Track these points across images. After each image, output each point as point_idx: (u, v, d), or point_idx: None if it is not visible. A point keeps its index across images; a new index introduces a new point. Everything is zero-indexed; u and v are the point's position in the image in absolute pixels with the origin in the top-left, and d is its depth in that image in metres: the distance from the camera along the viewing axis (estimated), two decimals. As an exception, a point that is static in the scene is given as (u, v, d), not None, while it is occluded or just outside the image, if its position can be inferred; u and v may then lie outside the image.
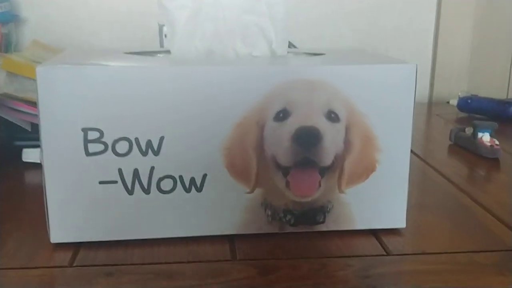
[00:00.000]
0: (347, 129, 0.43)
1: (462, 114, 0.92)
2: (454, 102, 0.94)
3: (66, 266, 0.40)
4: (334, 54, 0.51)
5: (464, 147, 0.71)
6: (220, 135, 0.42)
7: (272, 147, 0.42)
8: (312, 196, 0.44)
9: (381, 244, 0.44)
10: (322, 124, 0.42)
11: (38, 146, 0.63)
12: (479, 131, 0.68)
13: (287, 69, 0.42)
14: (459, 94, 0.94)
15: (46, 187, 0.41)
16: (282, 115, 0.42)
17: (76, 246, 0.43)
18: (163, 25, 0.88)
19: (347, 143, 0.43)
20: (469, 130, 0.71)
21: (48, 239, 0.43)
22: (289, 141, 0.42)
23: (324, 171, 0.43)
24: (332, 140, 0.43)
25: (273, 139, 0.42)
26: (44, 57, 0.72)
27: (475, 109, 0.89)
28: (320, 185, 0.43)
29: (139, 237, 0.43)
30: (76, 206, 0.42)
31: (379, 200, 0.45)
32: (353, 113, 0.43)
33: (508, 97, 1.06)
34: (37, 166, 0.63)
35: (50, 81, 0.40)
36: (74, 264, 0.41)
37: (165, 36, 0.77)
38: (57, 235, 0.42)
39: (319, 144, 0.42)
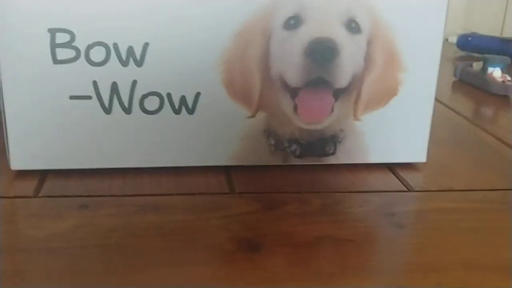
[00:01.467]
0: (369, 43, 0.36)
1: (461, 53, 0.87)
2: (453, 39, 0.88)
3: (30, 197, 0.33)
4: None
5: (471, 83, 0.65)
6: (217, 46, 0.34)
7: (279, 62, 0.35)
8: (322, 122, 0.37)
9: (399, 179, 0.39)
10: (340, 36, 0.35)
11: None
12: (490, 66, 0.62)
13: (301, -35, 0.34)
14: (458, 31, 0.88)
15: (5, 103, 0.34)
16: (294, 23, 0.35)
17: (42, 174, 0.36)
18: None
19: (367, 60, 0.36)
20: (477, 65, 0.65)
21: (8, 165, 0.36)
22: (300, 56, 0.35)
23: (338, 93, 0.37)
24: (350, 56, 0.36)
25: (281, 53, 0.35)
26: None
27: (476, 47, 0.83)
28: (332, 110, 0.37)
29: (117, 165, 0.36)
30: (41, 127, 0.34)
31: (398, 130, 0.39)
32: (377, 23, 0.36)
33: (503, 36, 1.00)
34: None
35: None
36: (40, 195, 0.34)
37: None
38: (18, 161, 0.35)
39: (335, 60, 0.35)
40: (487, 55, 0.64)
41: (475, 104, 0.60)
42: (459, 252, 0.30)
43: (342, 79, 0.36)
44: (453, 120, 0.54)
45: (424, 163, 0.41)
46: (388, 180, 0.38)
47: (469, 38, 0.84)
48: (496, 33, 0.99)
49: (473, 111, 0.57)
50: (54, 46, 0.33)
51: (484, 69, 0.63)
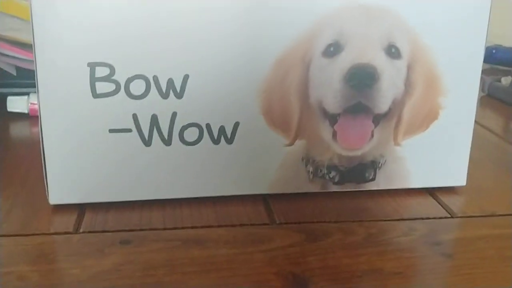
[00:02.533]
0: (409, 67, 0.36)
1: (485, 66, 0.86)
2: (476, 52, 0.87)
3: (70, 233, 0.33)
4: None
5: (500, 99, 0.64)
6: (256, 75, 0.34)
7: (319, 89, 0.35)
8: (362, 148, 0.37)
9: (441, 204, 0.38)
10: (381, 61, 0.35)
11: (24, 94, 0.56)
12: (520, 81, 0.62)
13: (340, -8, 0.34)
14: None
15: (44, 137, 0.33)
16: (333, 49, 0.35)
17: (81, 209, 0.36)
18: None
19: (408, 84, 0.36)
20: (506, 80, 0.64)
21: (47, 200, 0.35)
22: (340, 82, 0.35)
23: (378, 119, 0.36)
24: (391, 81, 0.35)
25: (321, 80, 0.35)
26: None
27: (501, 60, 0.82)
28: (372, 136, 0.36)
29: (157, 197, 0.36)
30: (80, 160, 0.34)
31: (439, 154, 0.38)
32: (417, 47, 0.35)
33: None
34: (24, 117, 0.55)
35: (47, 2, 0.31)
36: (81, 230, 0.33)
37: None
38: (57, 195, 0.35)
39: (376, 85, 0.35)
40: (516, 70, 0.63)
41: (506, 120, 0.59)
42: (510, 283, 0.29)
43: (382, 105, 0.36)
44: (485, 137, 0.53)
45: (464, 186, 0.40)
46: (430, 206, 0.38)
47: (493, 51, 0.83)
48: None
49: (504, 128, 0.56)
50: (94, 80, 0.33)
51: (514, 84, 0.62)
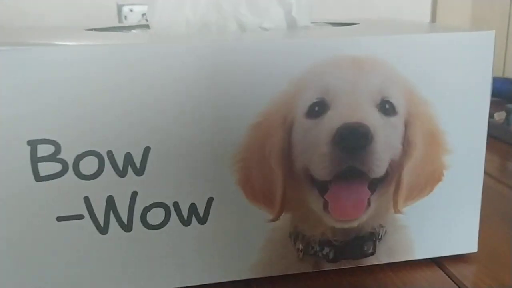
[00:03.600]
0: (407, 125, 0.31)
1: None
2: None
3: None
4: (373, 24, 0.38)
5: (493, 136, 0.60)
6: (230, 142, 0.29)
7: (304, 155, 0.30)
8: (358, 219, 0.32)
9: (450, 277, 0.33)
10: (373, 120, 0.30)
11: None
12: (515, 117, 0.57)
13: (323, 43, 0.29)
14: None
15: (-22, 230, 0.28)
16: (318, 109, 0.30)
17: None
18: (123, 4, 0.74)
19: (406, 143, 0.31)
20: (499, 116, 0.60)
21: (-15, 303, 0.29)
22: (328, 145, 0.30)
23: (375, 184, 0.31)
24: (386, 141, 0.30)
25: (306, 144, 0.30)
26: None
27: (492, 91, 0.78)
28: (369, 204, 0.31)
29: (119, 292, 0.30)
30: (25, 254, 0.28)
31: (446, 219, 0.33)
32: (414, 101, 0.31)
33: (505, 76, 0.96)
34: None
35: None
36: None
37: (143, 15, 0.63)
38: (-2, 297, 0.29)
39: (369, 147, 0.30)
40: (510, 105, 0.59)
41: (501, 160, 0.55)
42: None
43: (378, 168, 0.31)
44: (485, 183, 0.48)
45: (475, 253, 0.35)
46: (438, 279, 0.32)
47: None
48: (499, 74, 0.95)
49: (500, 168, 0.52)
50: (36, 161, 0.27)
51: (508, 120, 0.58)
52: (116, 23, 0.45)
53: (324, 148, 0.30)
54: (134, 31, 0.37)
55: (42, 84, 0.27)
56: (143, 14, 0.73)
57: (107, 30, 0.36)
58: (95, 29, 0.36)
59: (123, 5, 0.73)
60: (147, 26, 0.36)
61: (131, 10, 0.73)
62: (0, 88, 0.26)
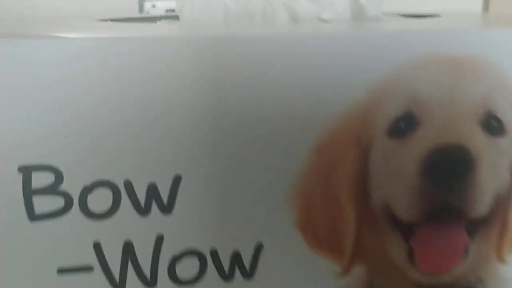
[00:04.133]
0: (519, 148, 0.24)
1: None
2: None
3: None
4: (460, 18, 0.31)
5: None
6: (286, 170, 0.22)
7: (384, 187, 0.23)
8: (452, 271, 0.24)
9: None
10: (476, 140, 0.22)
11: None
12: None
13: (411, 38, 0.22)
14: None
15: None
16: (404, 126, 0.22)
17: None
18: (144, 0, 0.69)
19: (518, 173, 0.24)
20: None
21: None
22: (416, 175, 0.22)
23: (475, 226, 0.23)
24: (491, 169, 0.23)
25: (387, 173, 0.23)
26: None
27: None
28: (467, 252, 0.24)
29: None
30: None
31: None
32: (529, 117, 0.23)
33: None
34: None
35: None
36: None
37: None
38: None
39: (470, 177, 0.22)
40: None
41: None
42: None
43: (480, 204, 0.23)
44: None
45: None
46: None
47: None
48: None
49: None
50: (29, 193, 0.21)
51: None
52: (137, 14, 0.39)
53: (410, 178, 0.22)
54: (159, 22, 0.31)
55: (38, 88, 0.20)
56: (167, 10, 0.67)
57: (125, 21, 0.29)
58: (111, 20, 0.29)
59: (144, 1, 0.67)
60: (175, 18, 0.30)
61: (153, 6, 0.67)
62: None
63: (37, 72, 0.20)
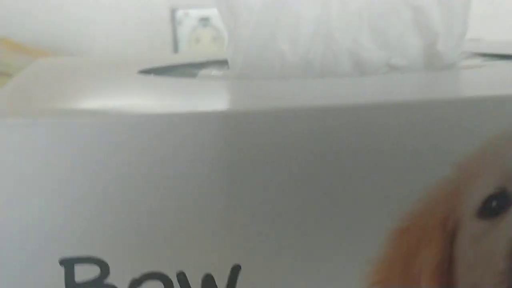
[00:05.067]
0: None
1: None
2: None
3: None
4: None
5: None
6: (359, 257, 0.19)
7: (471, 273, 0.20)
8: None
9: None
10: None
11: None
12: None
13: (503, 106, 0.19)
14: None
15: None
16: (497, 205, 0.19)
17: None
18: (176, 8, 0.65)
19: None
20: None
21: None
22: (506, 257, 0.20)
23: None
24: None
25: (475, 257, 0.20)
26: (14, 64, 0.50)
27: None
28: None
29: None
30: None
31: None
32: None
33: None
34: None
35: None
36: None
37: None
38: None
39: None
40: None
41: None
42: None
43: None
44: None
45: None
46: None
47: None
48: None
49: None
50: (72, 286, 0.18)
51: None
52: (175, 56, 0.36)
53: (499, 262, 0.20)
54: (205, 71, 0.27)
55: (78, 172, 0.18)
56: (201, 20, 0.64)
57: (167, 72, 0.26)
58: (153, 70, 0.26)
59: (177, 9, 0.64)
60: (223, 62, 0.27)
61: (186, 15, 0.64)
62: (18, 173, 0.17)
63: (78, 155, 0.17)
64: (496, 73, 0.25)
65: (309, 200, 0.19)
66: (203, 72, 0.27)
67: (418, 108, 0.18)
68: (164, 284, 0.19)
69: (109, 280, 0.18)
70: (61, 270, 0.18)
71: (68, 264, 0.18)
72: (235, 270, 0.19)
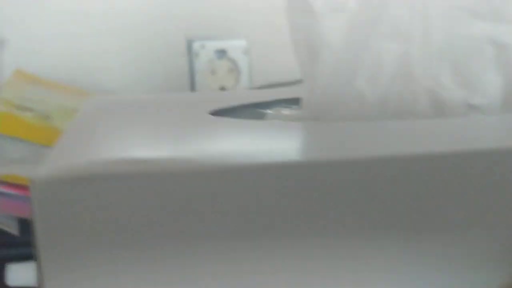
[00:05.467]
0: None
1: None
2: None
3: None
4: None
5: None
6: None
7: None
8: None
9: None
10: None
11: (30, 257, 0.39)
12: None
13: None
14: None
15: None
16: None
17: None
18: (193, 40, 0.64)
19: None
20: None
21: None
22: None
23: None
24: None
25: None
26: (30, 98, 0.48)
27: None
28: None
29: None
30: None
31: None
32: None
33: None
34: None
35: (52, 212, 0.15)
36: None
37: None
38: None
39: None
40: None
41: None
42: None
43: None
44: None
45: None
46: None
47: None
48: None
49: None
50: None
51: None
52: (235, 94, 0.33)
53: None
54: (274, 112, 0.25)
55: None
56: (217, 51, 0.62)
57: (239, 112, 0.25)
58: (224, 111, 0.25)
59: (193, 40, 0.62)
60: (294, 101, 0.25)
61: (203, 47, 0.63)
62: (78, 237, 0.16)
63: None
64: None
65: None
66: (273, 112, 0.25)
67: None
68: None
69: None
70: None
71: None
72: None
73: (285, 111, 0.25)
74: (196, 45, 0.61)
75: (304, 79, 0.23)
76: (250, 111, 0.26)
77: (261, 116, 0.25)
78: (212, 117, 0.23)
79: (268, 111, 0.26)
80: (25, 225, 0.39)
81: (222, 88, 0.64)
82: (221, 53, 0.63)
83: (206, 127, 0.22)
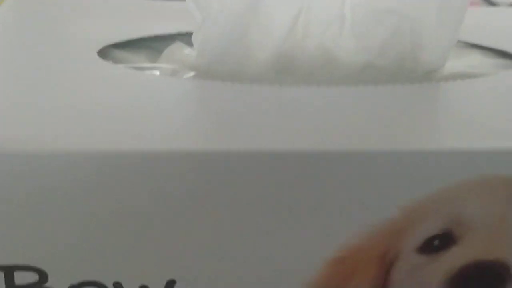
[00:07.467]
0: None
1: None
2: None
3: None
4: None
5: None
6: (296, 282, 0.19)
7: (404, 297, 0.20)
8: None
9: None
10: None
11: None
12: None
13: (464, 158, 0.18)
14: None
15: None
16: (438, 243, 0.19)
17: None
18: None
19: None
20: None
21: None
22: (441, 286, 0.20)
23: None
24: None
25: (410, 284, 0.20)
26: None
27: None
28: None
29: None
30: None
31: None
32: None
33: None
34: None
35: None
36: None
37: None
38: None
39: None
40: None
41: None
42: None
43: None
44: None
45: None
46: None
47: None
48: None
49: None
50: (12, 288, 0.19)
51: None
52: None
53: (435, 288, 0.20)
54: (162, 66, 0.25)
55: (23, 189, 0.17)
56: None
57: (132, 46, 0.25)
58: (117, 45, 0.25)
59: None
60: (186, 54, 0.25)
61: None
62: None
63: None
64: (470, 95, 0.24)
65: (248, 223, 0.19)
66: (170, 50, 0.25)
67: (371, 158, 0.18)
68: (101, 292, 0.19)
69: (48, 284, 0.19)
70: (1, 274, 0.19)
71: (9, 270, 0.19)
72: (170, 284, 0.19)
73: (186, 51, 0.25)
74: None
75: (195, 33, 0.23)
76: (148, 44, 0.26)
77: (157, 56, 0.25)
78: (97, 60, 0.24)
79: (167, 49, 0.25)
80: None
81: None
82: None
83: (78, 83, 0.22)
